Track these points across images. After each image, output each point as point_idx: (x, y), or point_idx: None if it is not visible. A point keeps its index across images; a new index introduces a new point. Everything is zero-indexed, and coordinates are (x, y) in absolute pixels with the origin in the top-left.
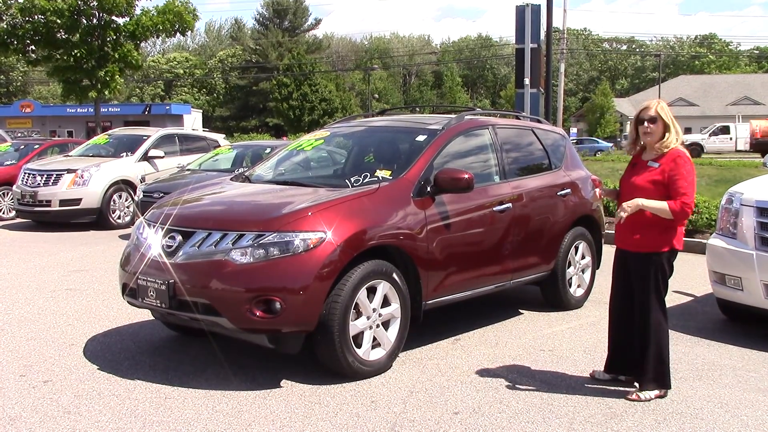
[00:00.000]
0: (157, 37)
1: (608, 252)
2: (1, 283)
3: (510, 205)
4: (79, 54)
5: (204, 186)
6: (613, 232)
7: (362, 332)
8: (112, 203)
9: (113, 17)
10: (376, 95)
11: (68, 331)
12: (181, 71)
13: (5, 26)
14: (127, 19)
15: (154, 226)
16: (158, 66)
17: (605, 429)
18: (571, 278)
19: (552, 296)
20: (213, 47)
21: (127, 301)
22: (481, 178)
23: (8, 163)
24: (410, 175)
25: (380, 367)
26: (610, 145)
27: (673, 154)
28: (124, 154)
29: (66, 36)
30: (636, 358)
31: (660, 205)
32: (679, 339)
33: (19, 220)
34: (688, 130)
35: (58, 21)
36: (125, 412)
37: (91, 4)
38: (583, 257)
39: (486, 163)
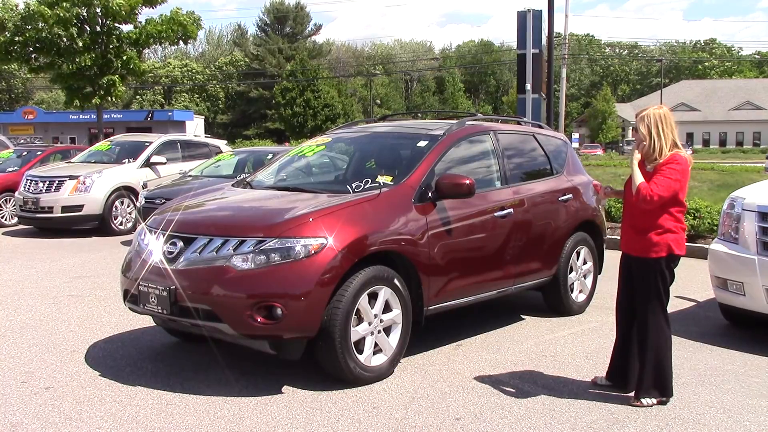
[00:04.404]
0: (160, 44)
1: (610, 257)
2: (3, 289)
3: (511, 210)
4: (82, 62)
5: (206, 192)
6: (616, 237)
7: (364, 338)
8: (114, 209)
9: (116, 24)
10: (378, 101)
11: (70, 338)
12: (179, 74)
13: (8, 34)
14: (131, 26)
15: (155, 232)
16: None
17: None
18: (573, 283)
19: (554, 302)
20: (213, 53)
21: (129, 308)
22: (482, 184)
23: (10, 169)
24: (411, 180)
25: (382, 373)
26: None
27: (668, 160)
28: (126, 160)
29: (69, 43)
30: (635, 365)
31: (637, 176)
32: (681, 344)
33: (21, 226)
34: (689, 136)
35: (60, 32)
36: (127, 419)
37: (94, 12)
38: (585, 262)
39: (487, 168)
